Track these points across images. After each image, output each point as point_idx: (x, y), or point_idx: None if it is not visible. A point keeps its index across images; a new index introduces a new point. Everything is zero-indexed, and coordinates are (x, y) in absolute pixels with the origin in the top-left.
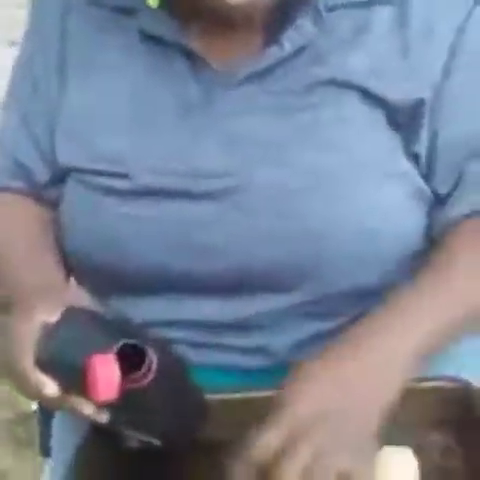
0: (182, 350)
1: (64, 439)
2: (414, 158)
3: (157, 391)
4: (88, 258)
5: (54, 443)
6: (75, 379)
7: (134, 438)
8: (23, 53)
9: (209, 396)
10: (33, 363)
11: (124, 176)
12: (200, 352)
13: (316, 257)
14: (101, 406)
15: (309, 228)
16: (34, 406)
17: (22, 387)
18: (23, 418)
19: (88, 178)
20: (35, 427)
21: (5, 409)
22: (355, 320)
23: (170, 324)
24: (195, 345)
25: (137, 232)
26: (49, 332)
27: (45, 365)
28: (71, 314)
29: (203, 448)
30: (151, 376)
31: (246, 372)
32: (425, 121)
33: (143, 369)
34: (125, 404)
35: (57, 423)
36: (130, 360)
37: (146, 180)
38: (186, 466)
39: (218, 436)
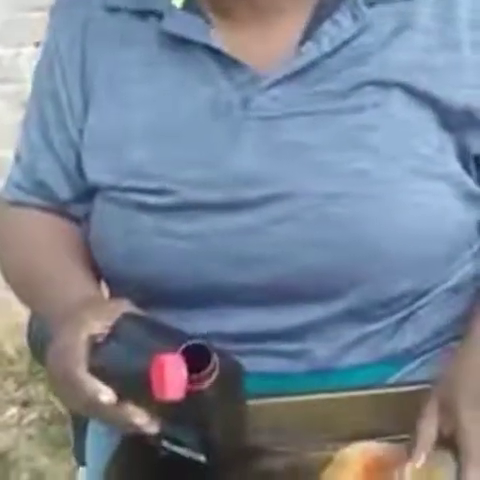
0: None
1: (98, 448)
2: (474, 160)
3: (216, 394)
4: (125, 273)
5: (88, 451)
6: (136, 382)
7: (174, 453)
8: (42, 66)
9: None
10: (87, 371)
11: (159, 192)
12: (241, 359)
13: (366, 262)
14: (161, 409)
15: (358, 233)
16: None
17: (75, 397)
18: (58, 418)
19: (120, 195)
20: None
21: (40, 409)
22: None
23: (212, 337)
24: (236, 353)
25: (176, 247)
26: (106, 338)
27: (102, 371)
28: (126, 319)
29: (240, 454)
30: (214, 377)
31: (288, 377)
32: None
33: (208, 369)
34: (184, 407)
35: (92, 431)
36: (190, 361)
37: (183, 194)
38: (221, 473)
39: (255, 442)
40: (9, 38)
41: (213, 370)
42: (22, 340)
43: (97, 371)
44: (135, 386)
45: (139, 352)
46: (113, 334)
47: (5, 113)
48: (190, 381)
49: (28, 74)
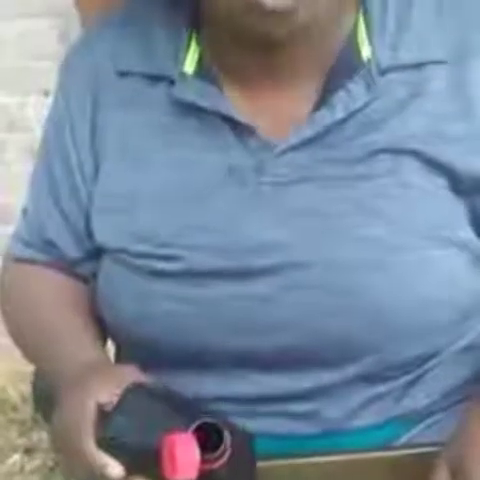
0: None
1: None
2: None
3: (229, 472)
4: (132, 334)
5: None
6: (145, 458)
7: None
8: (51, 124)
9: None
10: (95, 443)
11: (169, 258)
12: (248, 420)
13: (379, 330)
14: None
15: (372, 300)
16: None
17: (81, 467)
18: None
19: (129, 259)
20: None
21: (44, 456)
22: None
23: (220, 399)
24: (243, 415)
25: (185, 312)
26: (114, 410)
27: (111, 445)
28: (135, 391)
29: None
30: (226, 457)
31: (297, 438)
32: None
33: (220, 449)
34: None
35: None
36: (201, 437)
37: (193, 260)
38: None
39: None
40: (16, 86)
41: (225, 449)
42: (25, 386)
43: (105, 443)
44: (144, 462)
45: (149, 429)
46: (121, 407)
47: (13, 161)
48: (202, 460)
49: (35, 123)
